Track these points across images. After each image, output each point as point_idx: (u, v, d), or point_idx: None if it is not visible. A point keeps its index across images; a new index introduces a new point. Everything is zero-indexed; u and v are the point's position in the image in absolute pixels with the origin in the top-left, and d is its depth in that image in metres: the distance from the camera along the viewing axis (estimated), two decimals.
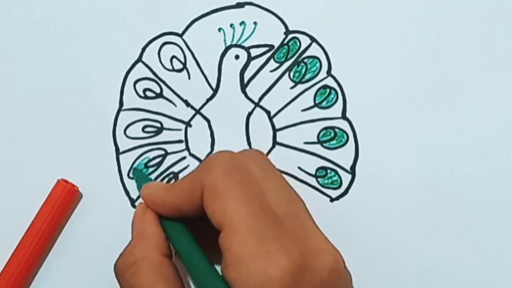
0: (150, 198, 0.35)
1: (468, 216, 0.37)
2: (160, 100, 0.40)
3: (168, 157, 0.39)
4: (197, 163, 0.39)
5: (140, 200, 0.36)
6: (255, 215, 0.31)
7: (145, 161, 0.39)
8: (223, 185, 0.32)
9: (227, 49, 0.39)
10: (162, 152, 0.39)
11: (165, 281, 0.32)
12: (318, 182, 0.38)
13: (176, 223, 0.34)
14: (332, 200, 0.38)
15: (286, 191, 0.34)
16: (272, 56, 0.39)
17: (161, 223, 0.35)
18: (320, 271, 0.31)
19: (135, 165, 0.39)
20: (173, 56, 0.40)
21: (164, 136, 0.39)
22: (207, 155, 0.39)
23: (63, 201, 0.38)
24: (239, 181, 0.32)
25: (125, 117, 0.39)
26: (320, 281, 0.31)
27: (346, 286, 0.33)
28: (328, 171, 0.38)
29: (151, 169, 0.39)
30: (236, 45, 0.39)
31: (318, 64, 0.39)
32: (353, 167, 0.38)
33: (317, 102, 0.38)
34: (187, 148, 0.39)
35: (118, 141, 0.39)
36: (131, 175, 0.39)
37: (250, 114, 0.39)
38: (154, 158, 0.39)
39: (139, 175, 0.38)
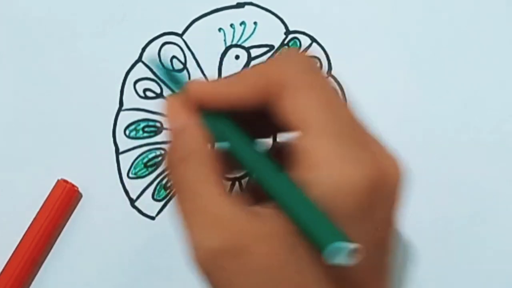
0: (200, 93, 0.31)
1: (469, 215, 0.37)
2: (160, 100, 0.40)
3: None
4: None
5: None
6: (335, 119, 0.28)
7: (145, 160, 0.39)
8: (304, 82, 0.29)
9: (227, 49, 0.39)
10: (161, 152, 0.39)
11: (218, 177, 0.29)
12: None
13: (224, 119, 0.31)
14: None
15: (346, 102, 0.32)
16: (272, 56, 0.39)
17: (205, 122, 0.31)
18: (394, 182, 0.29)
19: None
20: (173, 56, 0.40)
21: (164, 136, 0.39)
22: None
23: (63, 201, 0.38)
24: (318, 83, 0.29)
25: (125, 117, 0.39)
26: (394, 192, 0.29)
27: None
28: None
29: (150, 169, 0.39)
30: (236, 45, 0.39)
31: (318, 64, 0.39)
32: None
33: None
34: None
35: (118, 141, 0.39)
36: (146, 61, 0.38)
37: None
38: (153, 158, 0.39)
39: (162, 69, 0.37)
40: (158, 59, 0.38)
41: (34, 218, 0.38)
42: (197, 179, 0.29)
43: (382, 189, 0.28)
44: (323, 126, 0.28)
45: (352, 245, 0.25)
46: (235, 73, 0.31)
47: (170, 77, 0.34)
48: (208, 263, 0.28)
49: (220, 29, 0.40)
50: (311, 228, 0.26)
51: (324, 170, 0.27)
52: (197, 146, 0.30)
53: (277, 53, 0.31)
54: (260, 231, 0.27)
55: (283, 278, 0.27)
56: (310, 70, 0.30)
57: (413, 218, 0.37)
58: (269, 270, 0.27)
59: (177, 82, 0.32)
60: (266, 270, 0.27)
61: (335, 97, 0.30)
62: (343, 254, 0.25)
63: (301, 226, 0.26)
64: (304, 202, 0.27)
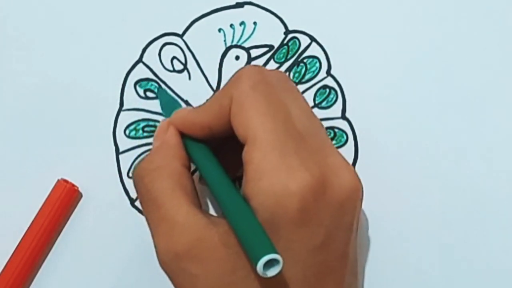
0: (180, 120, 0.35)
1: (469, 216, 0.37)
2: None
3: None
4: None
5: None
6: (279, 130, 0.30)
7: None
8: (250, 98, 0.31)
9: (227, 49, 0.40)
10: None
11: (183, 189, 0.32)
12: None
13: (199, 143, 0.34)
14: None
15: (308, 110, 0.34)
16: (272, 57, 0.39)
17: (185, 144, 0.35)
18: (341, 189, 0.30)
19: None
20: (174, 57, 0.40)
21: None
22: None
23: (63, 201, 0.38)
24: (266, 95, 0.31)
25: (125, 117, 0.39)
26: (340, 199, 0.30)
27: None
28: None
29: None
30: (237, 46, 0.39)
31: (317, 64, 0.39)
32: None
33: (317, 102, 0.38)
34: None
35: (118, 141, 0.39)
36: (157, 93, 0.39)
37: None
38: None
39: (164, 95, 0.39)
40: (167, 93, 0.40)
41: (34, 218, 0.38)
42: (162, 190, 0.32)
43: (325, 196, 0.30)
44: (267, 139, 0.30)
45: (273, 256, 0.27)
46: (212, 95, 0.34)
47: (169, 104, 0.38)
48: (171, 265, 0.31)
49: (220, 30, 0.40)
50: (245, 243, 0.28)
51: (265, 181, 0.29)
52: (167, 161, 0.33)
53: (237, 70, 0.33)
54: (214, 239, 0.30)
55: (232, 282, 0.30)
56: (259, 84, 0.32)
57: (413, 218, 0.37)
58: (221, 274, 0.30)
59: (173, 108, 0.36)
60: (219, 274, 0.30)
61: (283, 108, 0.32)
62: (273, 265, 0.27)
63: (239, 239, 0.29)
64: (244, 216, 0.29)
